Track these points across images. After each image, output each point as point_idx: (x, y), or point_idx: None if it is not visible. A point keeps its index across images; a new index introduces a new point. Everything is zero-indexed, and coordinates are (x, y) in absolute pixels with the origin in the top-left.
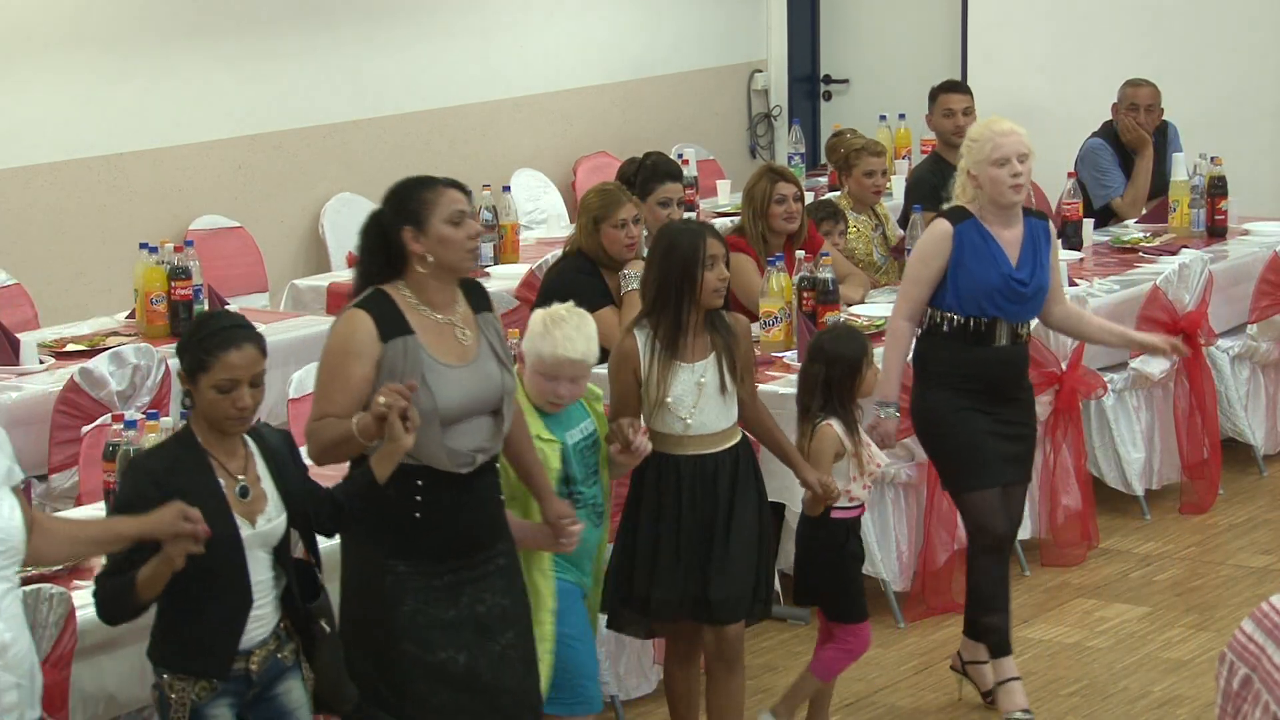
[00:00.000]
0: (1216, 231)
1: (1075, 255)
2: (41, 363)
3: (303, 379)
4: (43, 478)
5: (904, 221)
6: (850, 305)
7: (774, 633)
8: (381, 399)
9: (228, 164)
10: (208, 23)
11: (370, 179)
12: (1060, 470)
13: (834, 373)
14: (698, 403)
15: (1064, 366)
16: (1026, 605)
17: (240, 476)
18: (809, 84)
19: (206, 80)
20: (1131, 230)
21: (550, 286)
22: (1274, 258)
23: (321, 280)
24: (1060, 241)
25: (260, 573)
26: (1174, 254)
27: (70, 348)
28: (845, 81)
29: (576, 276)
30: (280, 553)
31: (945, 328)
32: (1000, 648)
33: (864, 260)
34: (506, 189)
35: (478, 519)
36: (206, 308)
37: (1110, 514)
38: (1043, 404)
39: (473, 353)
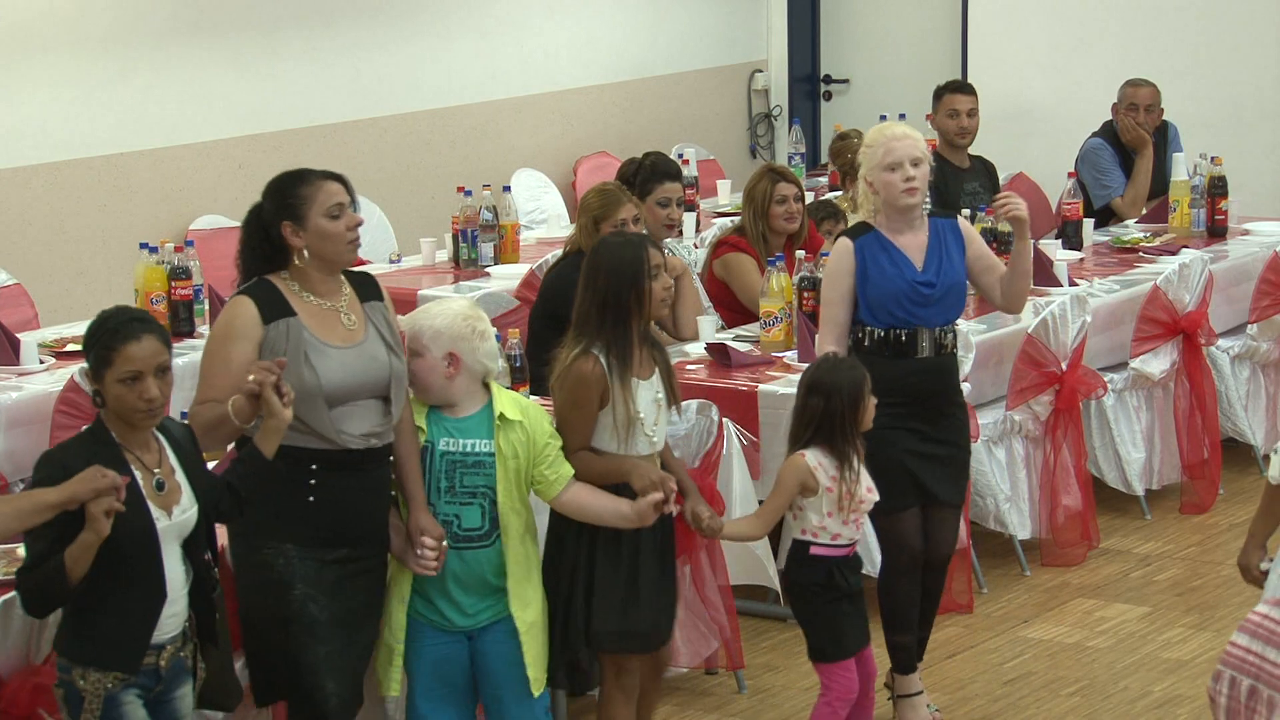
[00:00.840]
0: (1216, 231)
1: (1075, 255)
2: (41, 363)
3: None
4: None
5: None
6: None
7: (774, 632)
8: (251, 376)
9: (228, 164)
10: (208, 22)
11: (370, 179)
12: (1060, 470)
13: (834, 405)
14: (658, 420)
15: (1064, 366)
16: (1026, 605)
17: (156, 469)
18: (809, 84)
19: (207, 80)
20: (1132, 230)
21: (550, 286)
22: (1274, 258)
23: None
24: (1060, 241)
25: (173, 566)
26: (1174, 254)
27: (70, 348)
28: (845, 81)
29: (576, 276)
30: (190, 547)
31: (867, 342)
32: (906, 666)
33: None
34: (506, 189)
35: (368, 506)
36: (207, 308)
37: (1110, 514)
38: (1043, 404)
39: (358, 335)
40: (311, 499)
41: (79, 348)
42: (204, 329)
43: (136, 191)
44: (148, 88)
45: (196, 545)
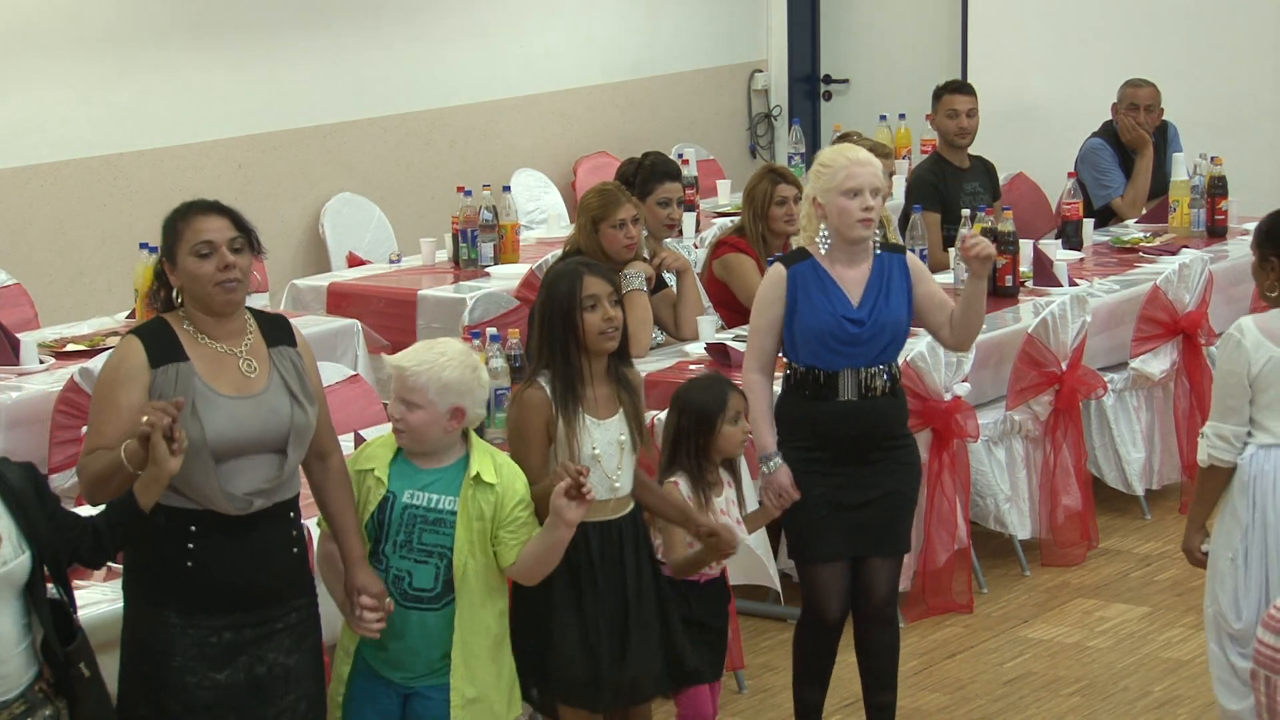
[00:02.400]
0: (1216, 231)
1: (1075, 255)
2: (41, 363)
3: None
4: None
5: (904, 222)
6: None
7: (774, 632)
8: (145, 417)
9: (228, 164)
10: (208, 23)
11: (370, 179)
12: (1060, 470)
13: (686, 424)
14: (621, 463)
15: (1064, 366)
16: (1026, 605)
17: None
18: (809, 84)
19: (206, 80)
20: (1132, 230)
21: None
22: None
23: (321, 280)
24: (1060, 241)
25: (4, 623)
26: (1174, 254)
27: (70, 348)
28: (845, 81)
29: None
30: (32, 595)
31: (793, 379)
32: (811, 718)
33: None
34: (506, 189)
35: (261, 572)
36: None
37: (1110, 514)
38: (1043, 404)
39: (258, 385)
40: (190, 564)
41: (79, 348)
42: None
43: (136, 191)
44: (147, 88)
45: (40, 594)
